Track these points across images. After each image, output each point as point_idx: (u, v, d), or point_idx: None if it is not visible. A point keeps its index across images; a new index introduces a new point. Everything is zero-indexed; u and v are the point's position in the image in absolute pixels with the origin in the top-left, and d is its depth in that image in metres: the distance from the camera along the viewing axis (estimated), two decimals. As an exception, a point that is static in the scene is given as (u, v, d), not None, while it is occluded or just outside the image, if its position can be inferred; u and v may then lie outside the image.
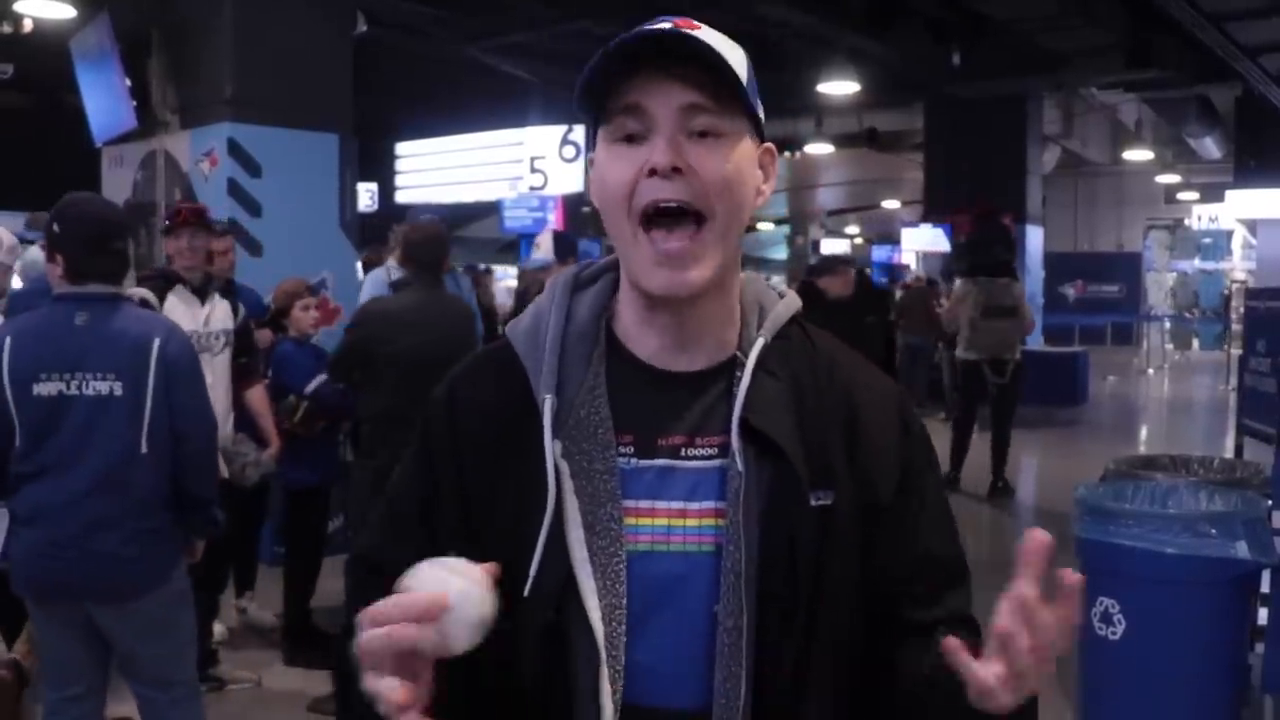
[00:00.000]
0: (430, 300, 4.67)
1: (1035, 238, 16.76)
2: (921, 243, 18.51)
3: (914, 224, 19.24)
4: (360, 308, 5.09)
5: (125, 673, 3.51)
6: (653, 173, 1.18)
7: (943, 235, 17.02)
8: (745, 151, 1.24)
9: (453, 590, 1.05)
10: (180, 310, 4.62)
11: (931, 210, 17.44)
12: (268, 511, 5.77)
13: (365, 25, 9.20)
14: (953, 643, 1.07)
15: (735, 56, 1.22)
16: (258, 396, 5.12)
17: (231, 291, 5.16)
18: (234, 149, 7.13)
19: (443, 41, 13.36)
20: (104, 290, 3.31)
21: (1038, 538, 1.03)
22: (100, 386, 3.22)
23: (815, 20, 12.22)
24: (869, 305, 6.79)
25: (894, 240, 25.33)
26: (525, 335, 1.31)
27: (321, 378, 5.21)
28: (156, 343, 3.28)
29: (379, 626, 1.03)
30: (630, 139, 1.21)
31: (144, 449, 3.25)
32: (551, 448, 1.22)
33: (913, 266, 21.65)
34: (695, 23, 1.22)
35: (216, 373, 4.72)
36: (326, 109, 7.54)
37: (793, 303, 1.35)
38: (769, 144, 1.30)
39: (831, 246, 30.89)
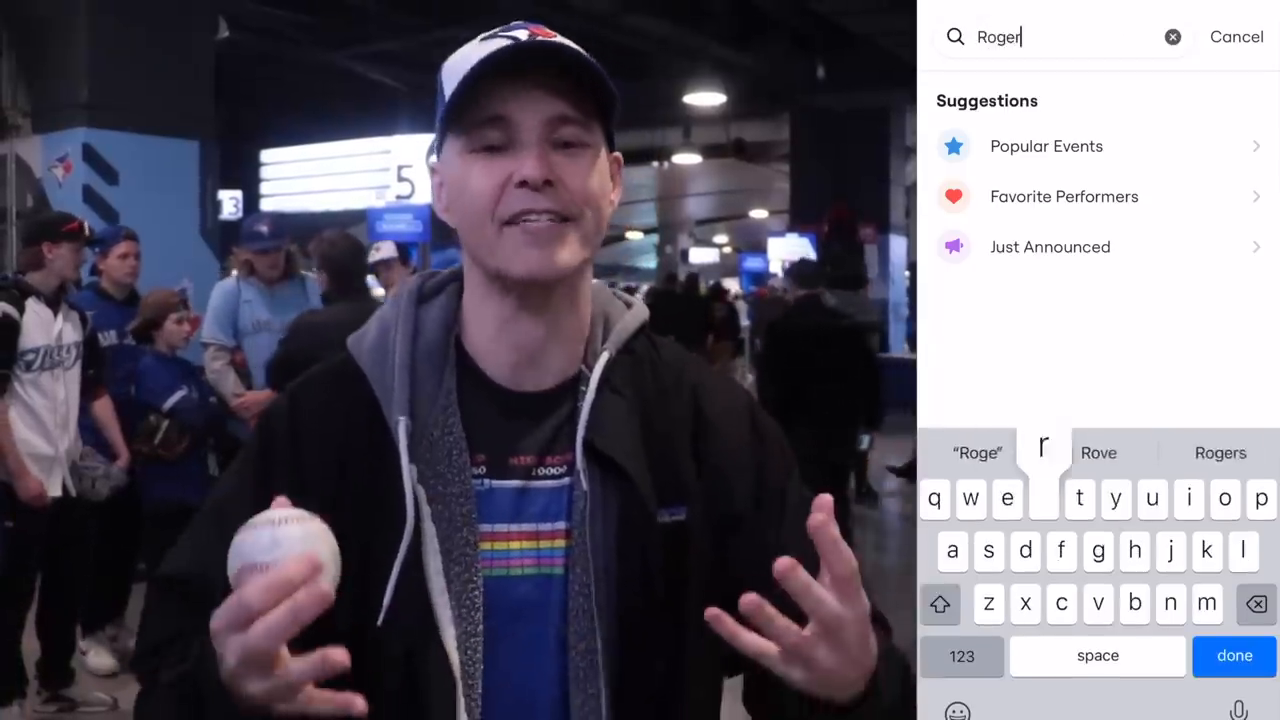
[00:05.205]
0: (360, 311, 4.63)
1: (899, 247, 17.13)
2: (788, 252, 18.75)
3: (780, 234, 19.51)
4: (292, 321, 4.95)
5: None
6: (522, 184, 1.15)
7: (809, 245, 17.29)
8: (602, 163, 1.22)
9: (306, 541, 0.98)
10: (35, 324, 4.46)
11: (798, 220, 17.72)
12: (137, 531, 5.55)
13: (227, 30, 9.03)
14: (713, 611, 0.99)
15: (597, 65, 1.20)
16: (104, 408, 4.93)
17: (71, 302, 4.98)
18: (89, 155, 6.92)
19: (309, 48, 13.17)
20: None
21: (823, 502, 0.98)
22: None
23: (681, 31, 12.35)
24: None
25: (763, 250, 25.63)
26: (371, 353, 1.25)
27: (182, 392, 4.97)
28: None
29: (257, 618, 0.94)
30: (491, 149, 1.17)
31: None
32: (408, 472, 1.17)
33: (780, 275, 21.85)
34: (549, 31, 1.20)
35: (70, 386, 4.60)
36: (187, 114, 7.37)
37: (639, 314, 1.32)
38: (616, 153, 1.28)
39: (701, 256, 31.14)
